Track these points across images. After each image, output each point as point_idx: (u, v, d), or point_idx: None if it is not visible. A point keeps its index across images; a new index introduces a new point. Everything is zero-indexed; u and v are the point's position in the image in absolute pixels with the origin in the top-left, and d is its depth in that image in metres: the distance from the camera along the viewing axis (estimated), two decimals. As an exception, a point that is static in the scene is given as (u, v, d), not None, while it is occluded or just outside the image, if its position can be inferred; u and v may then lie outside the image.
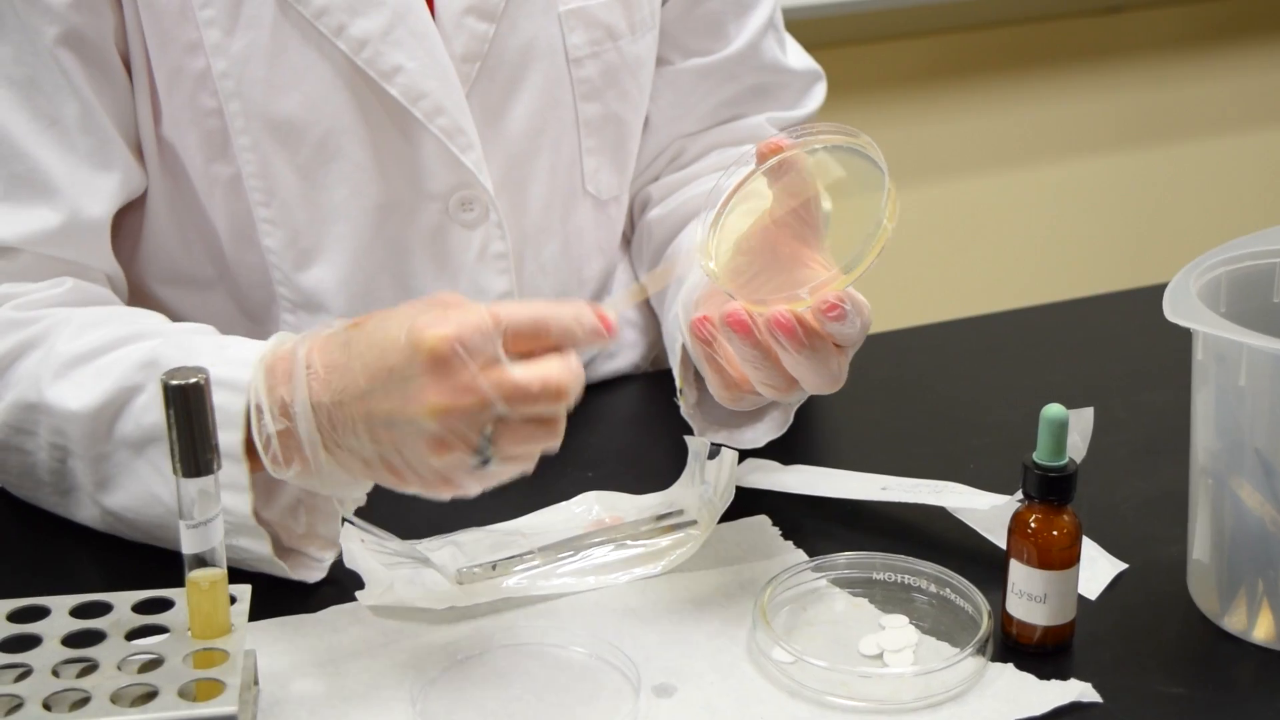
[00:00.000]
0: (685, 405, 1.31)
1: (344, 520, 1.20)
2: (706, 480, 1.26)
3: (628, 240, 1.59)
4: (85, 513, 1.22)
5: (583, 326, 1.05)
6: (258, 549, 1.14)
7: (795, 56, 1.54)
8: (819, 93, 1.55)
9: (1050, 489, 1.11)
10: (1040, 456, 1.11)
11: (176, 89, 1.28)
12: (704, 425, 1.32)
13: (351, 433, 1.06)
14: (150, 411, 1.15)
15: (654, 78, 1.48)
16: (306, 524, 1.18)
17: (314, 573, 1.18)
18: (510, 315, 1.03)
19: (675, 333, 1.31)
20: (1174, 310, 1.10)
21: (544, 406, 1.03)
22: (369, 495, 1.15)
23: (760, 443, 1.32)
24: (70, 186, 1.25)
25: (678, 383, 1.32)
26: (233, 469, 1.11)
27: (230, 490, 1.11)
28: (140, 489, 1.18)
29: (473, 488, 1.07)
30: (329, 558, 1.19)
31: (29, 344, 1.21)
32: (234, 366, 1.10)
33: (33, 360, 1.20)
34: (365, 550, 1.19)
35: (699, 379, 1.29)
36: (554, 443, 1.06)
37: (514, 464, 1.06)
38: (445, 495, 1.08)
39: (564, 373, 1.03)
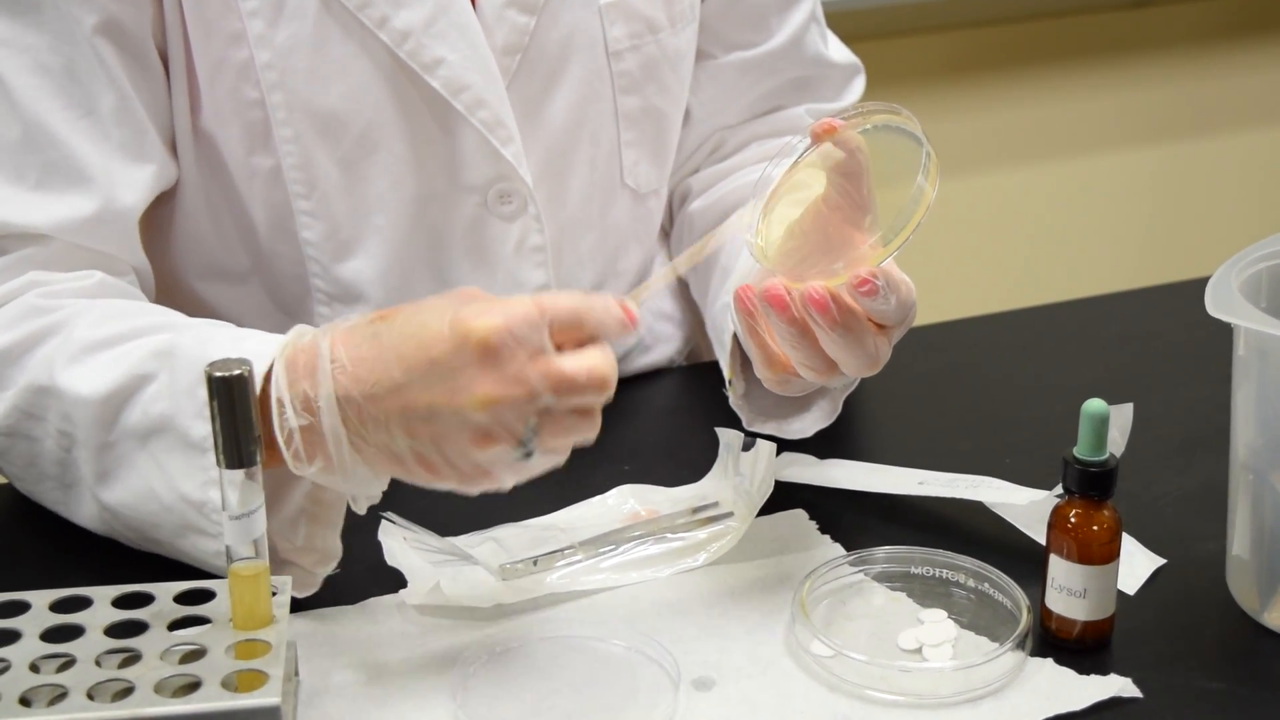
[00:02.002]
0: (734, 396, 1.31)
1: (383, 518, 1.21)
2: (741, 472, 1.26)
3: (666, 233, 1.59)
4: (86, 510, 1.20)
5: (611, 318, 1.04)
6: None
7: (836, 49, 1.55)
8: (858, 86, 1.55)
9: (1091, 484, 1.11)
10: (1081, 451, 1.11)
11: (219, 80, 1.29)
12: (752, 416, 1.32)
13: (383, 427, 1.04)
14: (159, 401, 1.13)
15: (695, 71, 1.48)
16: (305, 536, 1.14)
17: (306, 588, 1.15)
18: (553, 306, 1.03)
19: (724, 323, 1.31)
20: (1216, 305, 1.10)
21: (589, 397, 1.03)
22: (400, 494, 1.13)
23: (808, 433, 1.32)
24: (104, 176, 1.25)
25: (726, 374, 1.32)
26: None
27: (230, 488, 1.09)
28: (138, 483, 1.15)
29: (508, 481, 1.06)
30: (323, 573, 1.15)
31: (49, 331, 1.20)
32: (243, 358, 1.08)
33: (50, 346, 1.19)
34: (407, 548, 1.19)
35: (747, 369, 1.29)
36: (592, 434, 1.05)
37: (552, 456, 1.05)
38: (478, 489, 1.06)
39: (605, 363, 1.03)
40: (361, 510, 1.12)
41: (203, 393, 1.09)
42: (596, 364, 1.03)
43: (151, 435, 1.14)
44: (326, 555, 1.15)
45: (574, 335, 1.03)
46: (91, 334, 1.18)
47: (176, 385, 1.12)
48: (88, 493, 1.19)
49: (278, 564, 1.13)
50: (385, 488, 1.11)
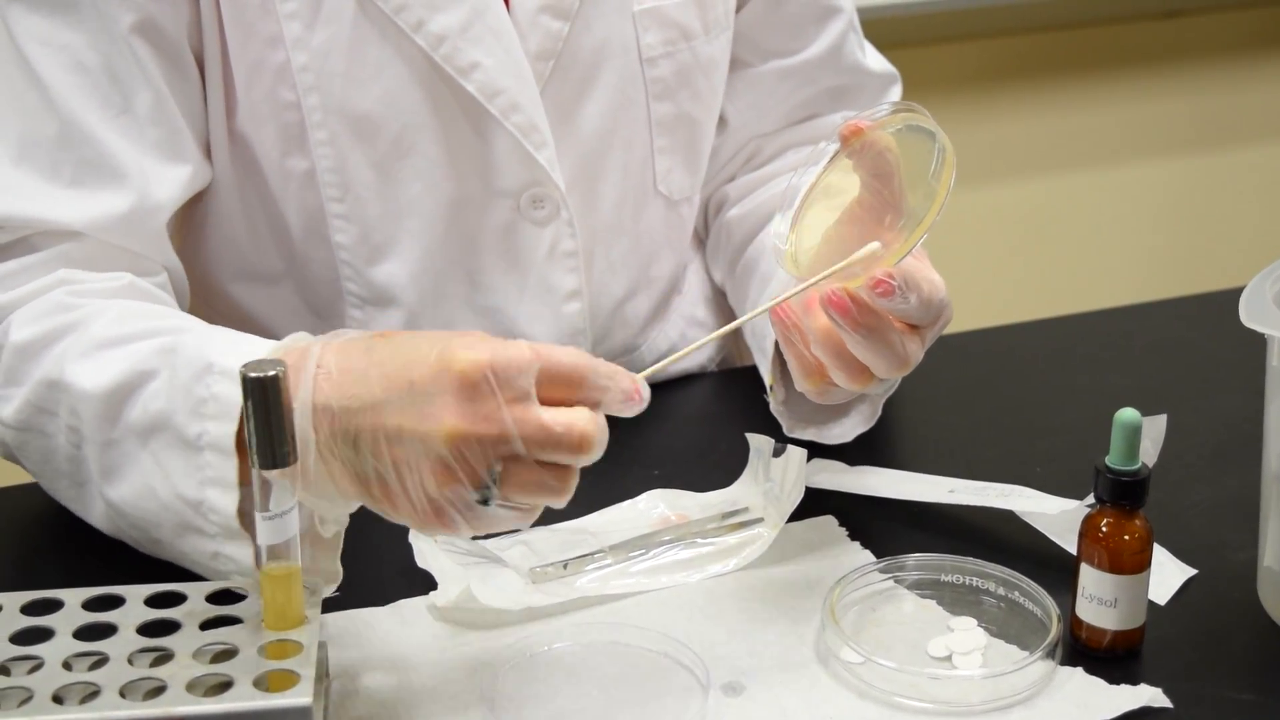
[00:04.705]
0: (774, 402, 1.31)
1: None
2: (771, 478, 1.26)
3: (699, 240, 1.59)
4: (96, 510, 1.19)
5: (617, 388, 1.02)
6: (240, 557, 1.10)
7: (873, 58, 1.54)
8: (895, 95, 1.55)
9: (1123, 493, 1.11)
10: (1113, 461, 1.11)
11: (256, 82, 1.29)
12: (792, 423, 1.32)
13: (351, 443, 1.02)
14: (158, 398, 1.12)
15: (733, 79, 1.48)
16: (311, 556, 1.11)
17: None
18: (551, 356, 1.00)
19: (764, 330, 1.31)
20: (1250, 315, 1.09)
21: (563, 454, 1.00)
22: None
23: (848, 437, 1.32)
24: (138, 174, 1.25)
25: (766, 380, 1.32)
26: (221, 463, 1.08)
27: (217, 487, 1.09)
28: (140, 481, 1.14)
29: (463, 529, 1.02)
30: (325, 592, 1.12)
31: (68, 328, 1.19)
32: (239, 356, 1.07)
33: (66, 342, 1.19)
34: (437, 549, 1.20)
35: (787, 376, 1.29)
36: (561, 499, 1.02)
37: (513, 514, 1.02)
38: (431, 531, 1.04)
39: (591, 425, 1.00)
40: (328, 535, 1.10)
41: (199, 390, 1.09)
42: (578, 421, 0.99)
43: (151, 432, 1.13)
44: (327, 577, 1.12)
45: (568, 394, 1.01)
46: (106, 331, 1.18)
47: (175, 382, 1.11)
48: (95, 491, 1.18)
49: None
50: (352, 511, 1.08)
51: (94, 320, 1.19)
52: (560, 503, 1.02)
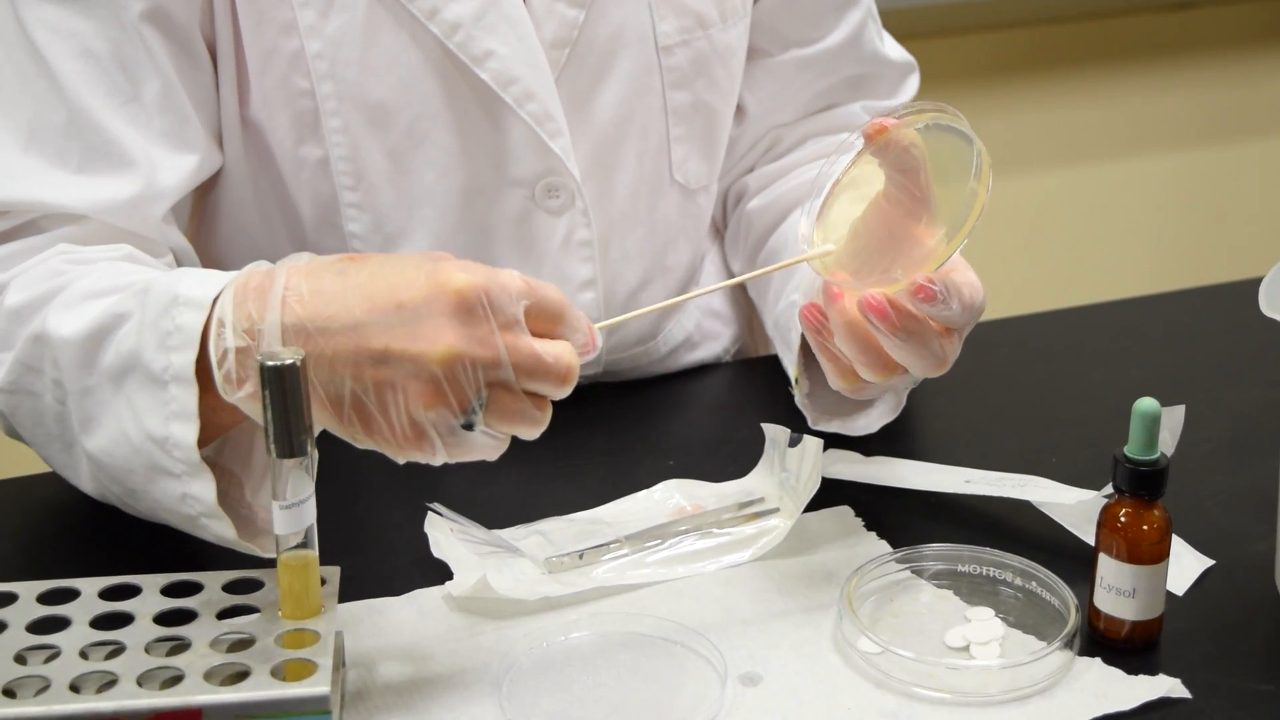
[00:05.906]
0: (799, 395, 1.30)
1: (429, 509, 1.21)
2: (787, 468, 1.26)
3: (717, 230, 1.58)
4: (82, 470, 1.18)
5: (582, 333, 1.04)
6: (204, 496, 1.09)
7: (892, 47, 1.54)
8: (913, 84, 1.55)
9: (1142, 483, 1.10)
10: (1132, 450, 1.10)
11: (269, 70, 1.29)
12: (817, 415, 1.32)
13: (327, 365, 1.01)
14: (129, 338, 1.10)
15: (752, 69, 1.48)
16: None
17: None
18: (541, 289, 1.02)
19: (790, 322, 1.31)
20: (1270, 304, 1.09)
21: (549, 383, 1.02)
22: (445, 485, 1.10)
23: (873, 429, 1.32)
24: (145, 162, 1.24)
25: (791, 373, 1.31)
26: (184, 395, 1.07)
27: (180, 421, 1.07)
28: (114, 426, 1.12)
29: (439, 455, 1.03)
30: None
31: (60, 289, 1.19)
32: (204, 286, 1.07)
33: (55, 301, 1.18)
34: (454, 539, 1.20)
35: (811, 369, 1.28)
36: (537, 429, 1.03)
37: (491, 442, 1.03)
38: (407, 457, 1.03)
39: (575, 359, 1.03)
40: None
41: (165, 323, 1.07)
42: (564, 354, 1.02)
43: (125, 374, 1.11)
44: None
45: (550, 328, 1.03)
46: (91, 285, 1.17)
47: (145, 320, 1.09)
48: (80, 449, 1.16)
49: (256, 532, 1.12)
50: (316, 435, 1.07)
51: (83, 278, 1.18)
52: (535, 434, 1.03)
